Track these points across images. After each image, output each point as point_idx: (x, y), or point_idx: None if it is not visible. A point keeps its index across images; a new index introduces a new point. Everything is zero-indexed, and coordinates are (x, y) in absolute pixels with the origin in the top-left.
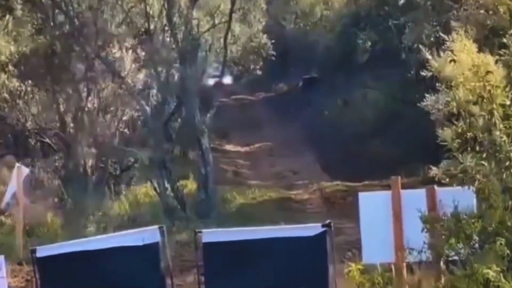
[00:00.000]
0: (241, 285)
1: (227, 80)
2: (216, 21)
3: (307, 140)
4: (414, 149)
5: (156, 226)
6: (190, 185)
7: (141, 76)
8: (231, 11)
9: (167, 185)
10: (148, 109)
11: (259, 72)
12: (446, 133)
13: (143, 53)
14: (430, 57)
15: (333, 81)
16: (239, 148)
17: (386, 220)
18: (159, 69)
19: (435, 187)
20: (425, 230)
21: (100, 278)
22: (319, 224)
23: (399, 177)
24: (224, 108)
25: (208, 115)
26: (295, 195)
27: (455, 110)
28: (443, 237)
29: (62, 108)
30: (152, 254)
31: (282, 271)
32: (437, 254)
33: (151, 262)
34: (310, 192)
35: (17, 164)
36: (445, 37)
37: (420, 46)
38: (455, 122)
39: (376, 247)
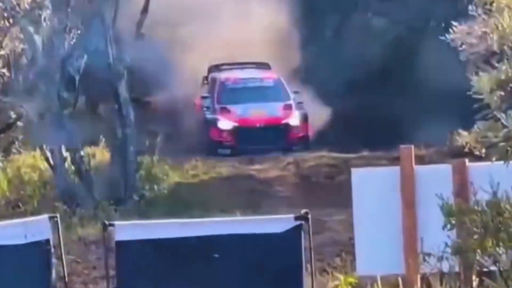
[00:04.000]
0: None
1: None
2: None
3: None
4: (435, 104)
5: (46, 216)
6: (100, 155)
7: None
8: None
9: (65, 154)
10: (38, 39)
11: None
12: (482, 81)
13: None
14: None
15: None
16: None
17: (392, 210)
18: None
19: (466, 161)
20: (449, 226)
21: None
22: (291, 216)
23: (413, 147)
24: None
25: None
26: (257, 171)
27: (495, 47)
28: (475, 237)
29: None
30: (38, 258)
31: (235, 285)
32: (465, 262)
33: (37, 270)
34: (280, 167)
35: None
36: None
37: None
38: (496, 65)
39: (377, 251)
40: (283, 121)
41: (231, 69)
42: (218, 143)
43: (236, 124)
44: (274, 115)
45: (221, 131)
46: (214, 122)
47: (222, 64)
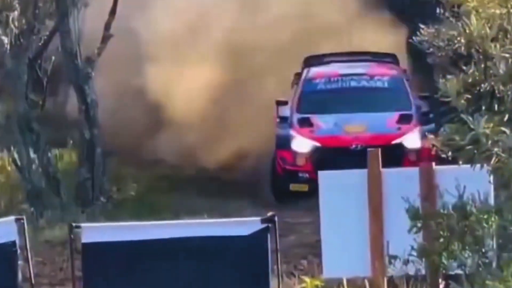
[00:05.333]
0: None
1: None
2: None
3: None
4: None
5: (12, 217)
6: (67, 157)
7: None
8: None
9: (33, 155)
10: (5, 40)
11: None
12: (449, 84)
13: None
14: None
15: None
16: None
17: (359, 213)
18: None
19: (433, 164)
20: (415, 229)
21: None
22: (258, 218)
23: (379, 149)
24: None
25: (96, 50)
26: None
27: (463, 50)
28: (441, 240)
29: None
30: (4, 259)
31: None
32: (431, 265)
33: (3, 271)
34: None
35: None
36: None
37: None
38: (464, 68)
39: (344, 254)
40: (395, 141)
41: (338, 61)
42: (290, 174)
43: (317, 144)
44: (381, 131)
45: (296, 154)
46: (286, 142)
47: (325, 55)
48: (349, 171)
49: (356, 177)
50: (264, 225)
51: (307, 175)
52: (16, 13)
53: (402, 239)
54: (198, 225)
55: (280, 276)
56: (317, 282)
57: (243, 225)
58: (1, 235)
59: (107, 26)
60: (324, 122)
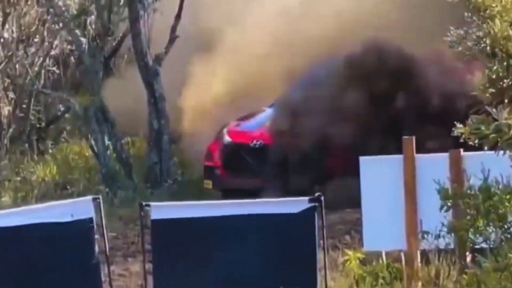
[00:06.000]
0: (201, 277)
1: None
2: None
3: None
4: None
5: (89, 197)
6: (139, 144)
7: None
8: None
9: (107, 142)
10: (84, 41)
11: None
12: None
13: None
14: None
15: None
16: None
17: (395, 193)
18: None
19: (461, 151)
20: (445, 208)
21: (12, 262)
22: (306, 198)
23: (414, 137)
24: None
25: (164, 50)
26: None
27: (488, 49)
28: (468, 218)
29: None
30: (83, 234)
31: (255, 259)
32: (460, 240)
33: (82, 244)
34: None
35: None
36: None
37: None
38: (489, 65)
39: (382, 229)
40: None
41: None
42: (207, 170)
43: (228, 139)
44: None
45: (216, 150)
46: (217, 136)
47: None
48: (387, 156)
49: (393, 161)
50: (311, 204)
51: (218, 170)
52: (93, 17)
53: (433, 217)
54: (252, 204)
55: (326, 249)
56: (359, 255)
57: (293, 204)
58: (80, 212)
59: (173, 29)
60: (261, 116)
